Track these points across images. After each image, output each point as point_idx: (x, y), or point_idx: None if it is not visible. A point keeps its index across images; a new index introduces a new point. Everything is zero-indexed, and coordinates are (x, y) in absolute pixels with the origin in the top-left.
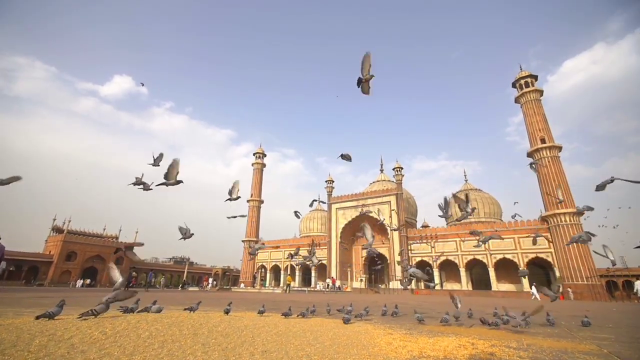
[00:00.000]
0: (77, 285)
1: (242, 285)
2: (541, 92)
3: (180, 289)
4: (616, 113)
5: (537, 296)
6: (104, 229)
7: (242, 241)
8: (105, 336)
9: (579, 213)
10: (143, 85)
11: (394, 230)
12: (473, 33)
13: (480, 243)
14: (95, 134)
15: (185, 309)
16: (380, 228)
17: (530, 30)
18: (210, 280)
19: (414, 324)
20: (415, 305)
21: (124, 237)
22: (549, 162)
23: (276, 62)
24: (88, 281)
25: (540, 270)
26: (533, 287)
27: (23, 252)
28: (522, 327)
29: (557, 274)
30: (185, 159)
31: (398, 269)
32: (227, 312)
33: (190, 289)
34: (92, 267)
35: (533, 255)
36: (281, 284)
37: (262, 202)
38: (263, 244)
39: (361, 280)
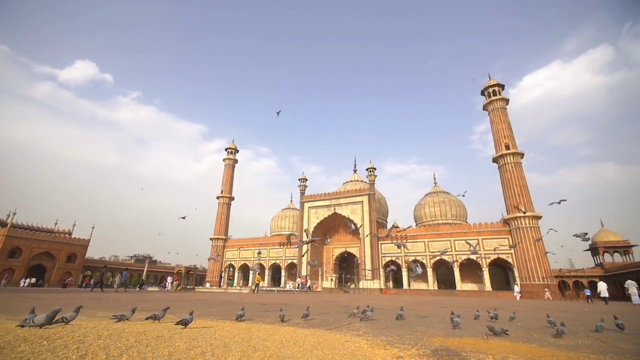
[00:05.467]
0: (22, 284)
1: (207, 284)
2: (507, 101)
3: (138, 289)
4: (569, 127)
5: (517, 296)
6: (56, 224)
7: (210, 239)
8: None
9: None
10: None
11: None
12: (444, 47)
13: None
14: (52, 121)
15: (147, 318)
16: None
17: (495, 46)
18: (169, 279)
19: (415, 334)
20: (392, 305)
21: (78, 233)
22: (512, 167)
23: (252, 60)
24: (34, 280)
25: (500, 270)
26: (516, 285)
27: None
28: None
29: (516, 273)
30: (153, 154)
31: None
32: (177, 322)
33: (150, 289)
34: (39, 264)
35: (495, 257)
36: (249, 284)
37: (232, 198)
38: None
39: (331, 280)
